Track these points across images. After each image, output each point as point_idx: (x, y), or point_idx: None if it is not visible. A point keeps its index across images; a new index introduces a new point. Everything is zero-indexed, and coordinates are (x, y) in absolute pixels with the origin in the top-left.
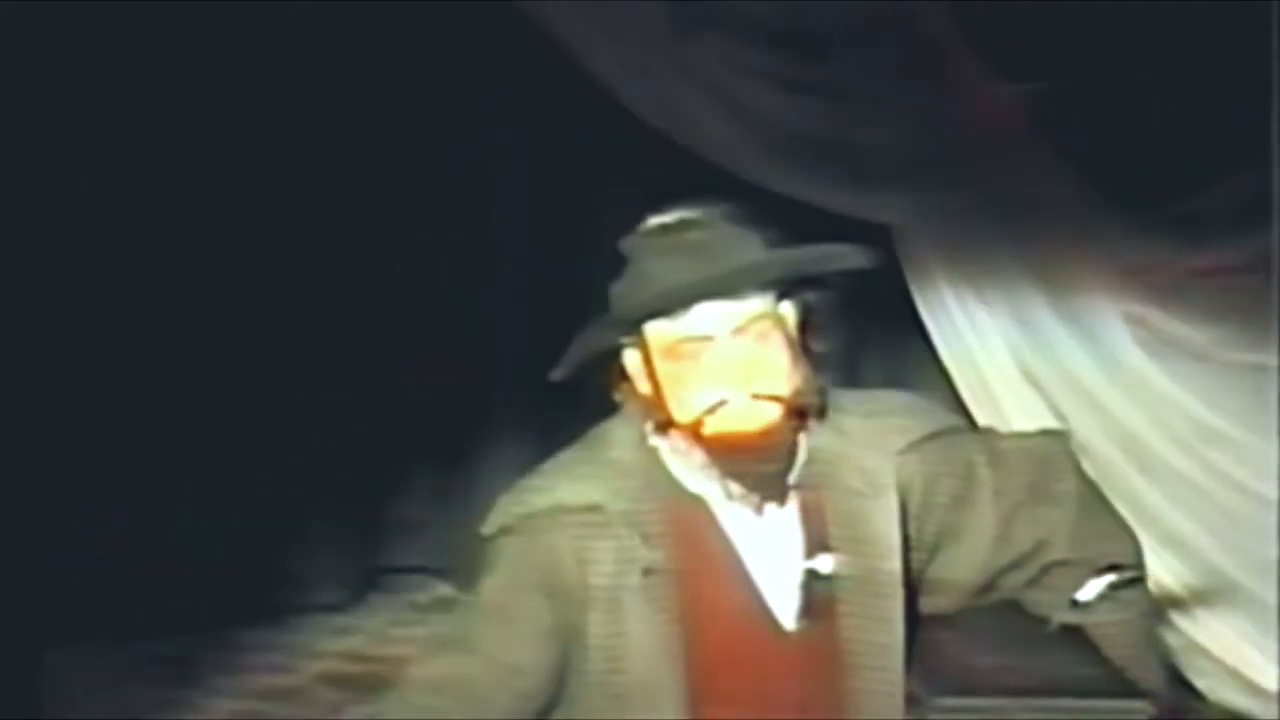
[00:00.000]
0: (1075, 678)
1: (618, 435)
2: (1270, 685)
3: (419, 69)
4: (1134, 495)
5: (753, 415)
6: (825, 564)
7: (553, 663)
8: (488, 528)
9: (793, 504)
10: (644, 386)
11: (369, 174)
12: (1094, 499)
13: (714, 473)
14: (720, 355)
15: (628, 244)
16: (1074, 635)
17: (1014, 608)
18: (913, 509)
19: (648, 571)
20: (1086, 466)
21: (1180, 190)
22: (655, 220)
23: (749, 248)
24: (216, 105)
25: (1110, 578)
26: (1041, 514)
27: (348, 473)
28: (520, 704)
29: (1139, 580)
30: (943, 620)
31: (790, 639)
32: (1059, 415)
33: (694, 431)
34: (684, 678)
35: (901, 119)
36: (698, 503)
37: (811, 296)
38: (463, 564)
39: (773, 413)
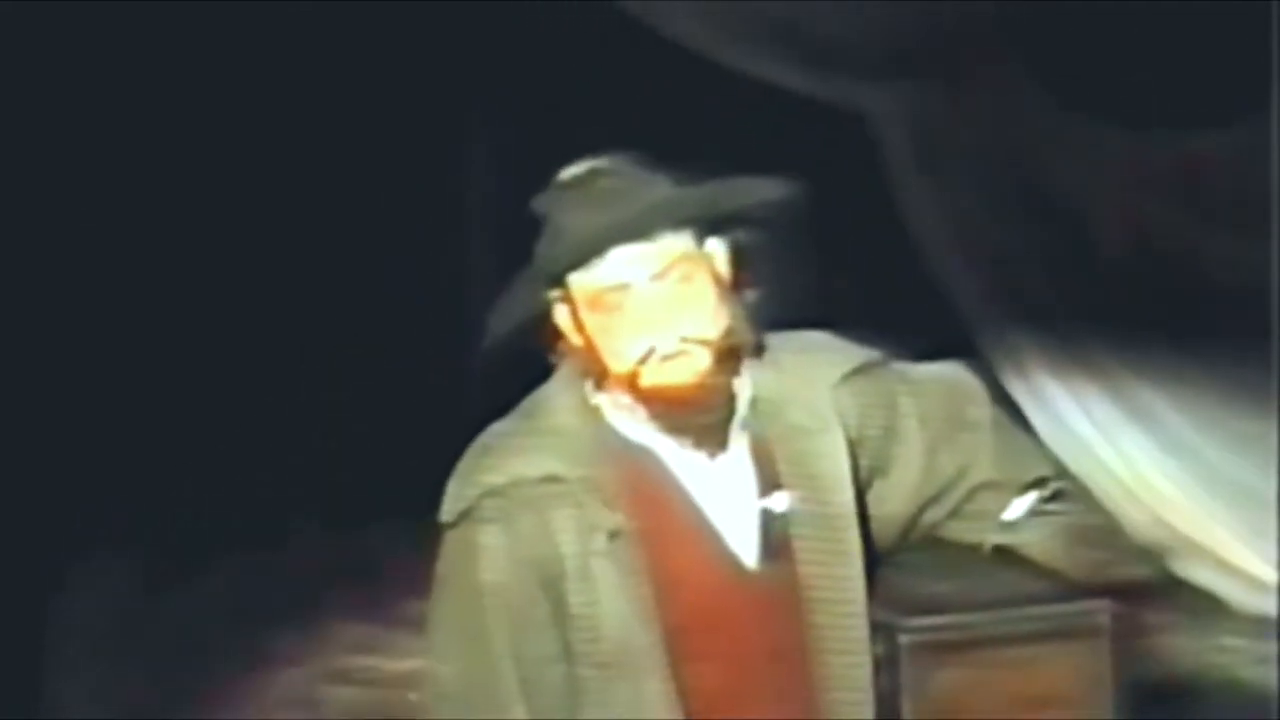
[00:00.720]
0: (1032, 588)
1: (557, 401)
2: (1266, 576)
3: (421, 71)
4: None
5: (683, 362)
6: (780, 502)
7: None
8: (447, 515)
9: (743, 444)
10: (576, 340)
11: (364, 173)
12: (1005, 422)
13: (659, 425)
14: (641, 301)
15: (541, 201)
16: (1009, 555)
17: (950, 544)
18: (849, 444)
19: (613, 535)
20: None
21: (1170, 84)
22: (566, 173)
23: (658, 189)
24: (214, 104)
25: (1035, 494)
26: (961, 440)
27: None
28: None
29: (1062, 494)
30: (883, 560)
31: (756, 582)
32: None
33: (631, 384)
34: (661, 638)
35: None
36: (648, 456)
37: (741, 234)
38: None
39: (703, 359)
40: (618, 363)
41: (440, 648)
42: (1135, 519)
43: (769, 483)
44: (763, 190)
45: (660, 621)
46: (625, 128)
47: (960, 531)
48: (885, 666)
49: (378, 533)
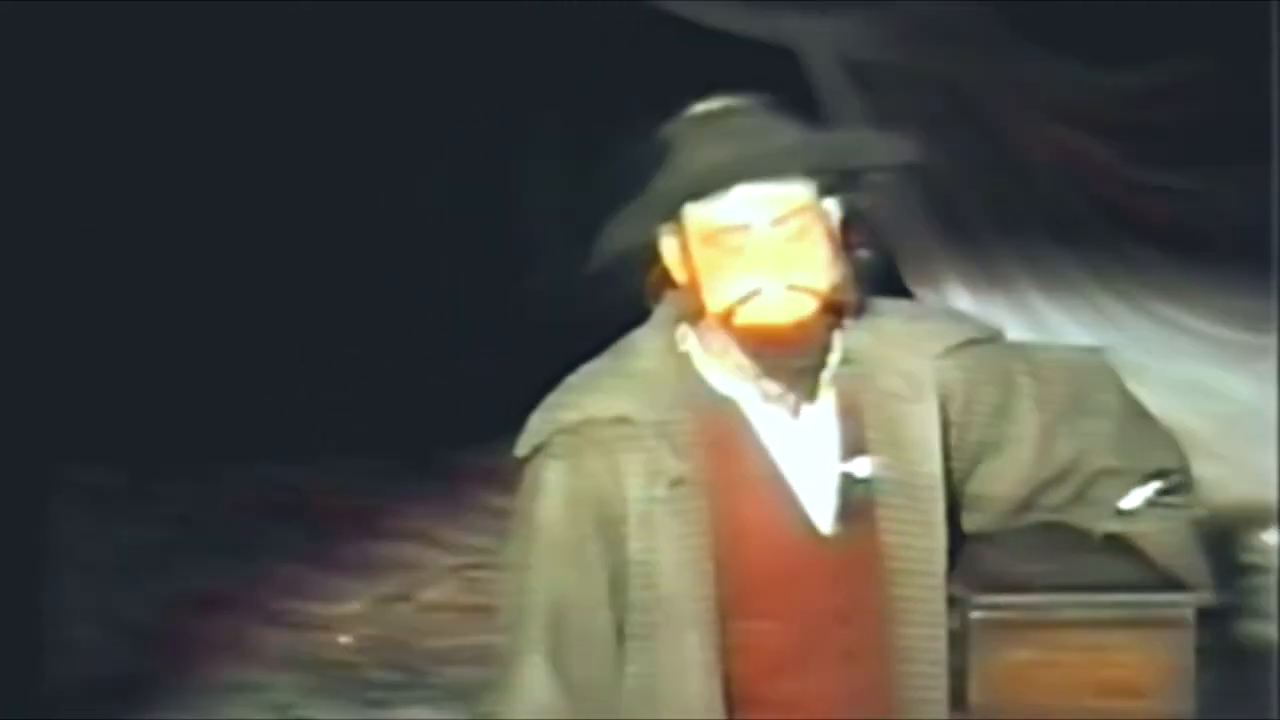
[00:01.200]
0: (1118, 575)
1: (645, 344)
2: None
3: (419, 70)
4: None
5: (786, 306)
6: (862, 467)
7: (612, 594)
8: (522, 448)
9: (829, 406)
10: (680, 275)
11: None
12: (1136, 410)
13: (748, 372)
14: (758, 244)
15: (668, 130)
16: (1118, 543)
17: (1056, 526)
18: (954, 416)
19: (675, 483)
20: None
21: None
22: (698, 107)
23: (789, 133)
24: (217, 101)
25: (1156, 484)
26: (1083, 425)
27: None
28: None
29: (1185, 487)
30: (983, 537)
31: (828, 545)
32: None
33: (725, 321)
34: (714, 592)
35: None
36: (730, 407)
37: (856, 196)
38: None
39: (807, 305)
40: (717, 300)
41: (505, 577)
42: None
43: (853, 447)
44: (892, 150)
45: (720, 576)
46: (575, 83)
47: (1081, 517)
48: (957, 641)
49: (315, 471)
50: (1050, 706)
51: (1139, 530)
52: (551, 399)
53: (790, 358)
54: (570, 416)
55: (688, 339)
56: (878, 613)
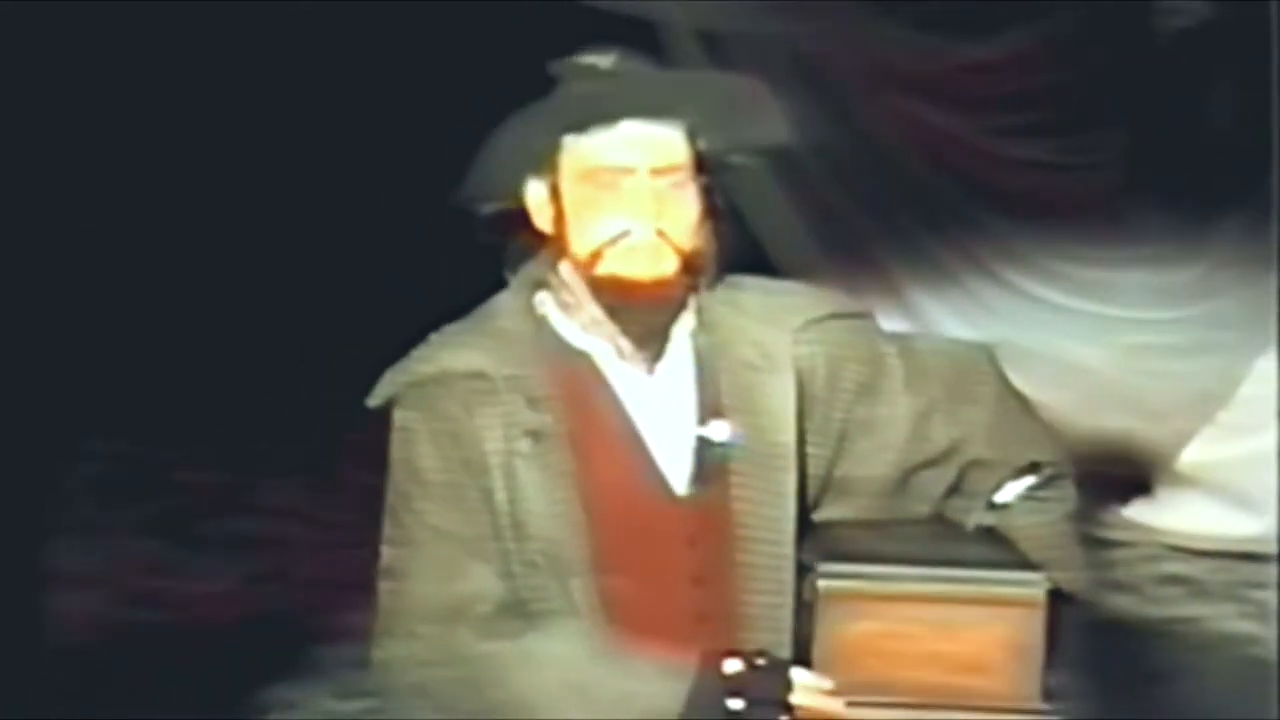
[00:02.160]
0: (969, 553)
1: (504, 305)
2: None
3: (419, 71)
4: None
5: (651, 255)
6: (719, 431)
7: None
8: (374, 399)
9: (686, 369)
10: (543, 220)
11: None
12: (1016, 403)
13: (603, 328)
14: (637, 188)
15: (560, 67)
16: (991, 535)
17: (938, 521)
18: (817, 392)
19: (535, 436)
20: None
21: None
22: (589, 54)
23: (677, 76)
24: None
25: (1030, 479)
26: (961, 413)
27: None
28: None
29: (1061, 482)
30: (858, 523)
31: (683, 506)
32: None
33: (589, 266)
34: (587, 544)
35: None
36: (586, 362)
37: (720, 175)
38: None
39: (670, 262)
40: (583, 242)
41: (387, 531)
42: None
43: (710, 410)
44: (774, 121)
45: (586, 527)
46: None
47: (955, 509)
48: (805, 610)
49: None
50: (894, 679)
51: (1012, 524)
52: (412, 354)
53: (646, 312)
54: (426, 369)
55: (546, 303)
56: (730, 577)
